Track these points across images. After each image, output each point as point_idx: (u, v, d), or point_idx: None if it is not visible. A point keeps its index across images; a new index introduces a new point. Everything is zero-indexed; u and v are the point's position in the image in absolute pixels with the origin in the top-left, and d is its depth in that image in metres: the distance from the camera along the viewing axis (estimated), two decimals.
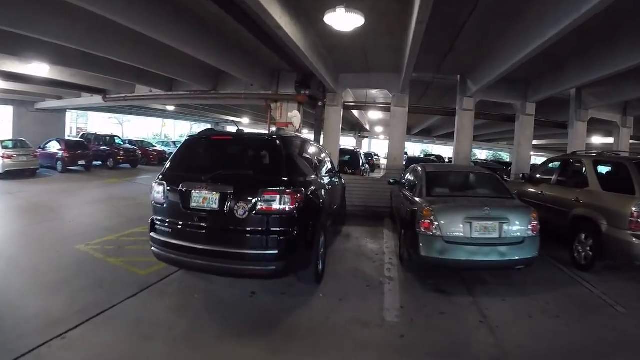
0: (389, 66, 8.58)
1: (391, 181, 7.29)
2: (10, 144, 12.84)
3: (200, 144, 4.26)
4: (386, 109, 11.33)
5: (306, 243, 3.76)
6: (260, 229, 3.44)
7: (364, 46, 7.20)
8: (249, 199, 3.40)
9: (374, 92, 12.19)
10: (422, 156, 27.01)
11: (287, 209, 3.41)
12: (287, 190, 3.43)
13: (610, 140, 11.03)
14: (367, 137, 38.79)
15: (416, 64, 6.52)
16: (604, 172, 5.57)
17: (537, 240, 4.27)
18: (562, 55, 6.99)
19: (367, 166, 16.28)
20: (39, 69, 9.86)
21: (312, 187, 4.15)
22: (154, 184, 3.86)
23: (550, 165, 7.36)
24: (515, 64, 6.08)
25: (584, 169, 5.60)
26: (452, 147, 9.84)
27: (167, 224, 3.75)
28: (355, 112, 17.61)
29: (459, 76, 9.35)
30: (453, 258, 4.16)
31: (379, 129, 28.06)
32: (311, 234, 3.85)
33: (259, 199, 3.38)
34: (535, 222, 4.28)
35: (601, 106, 9.34)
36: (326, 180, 5.30)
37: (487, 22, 5.86)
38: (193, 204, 3.55)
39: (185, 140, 4.35)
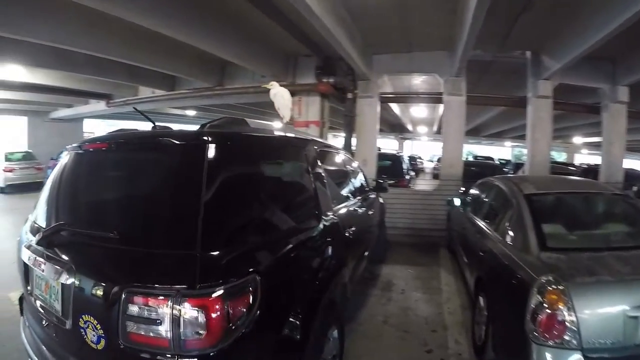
0: (437, 40, 6.23)
1: (453, 201, 5.04)
2: (15, 157, 12.03)
3: (78, 161, 2.02)
4: (435, 99, 8.88)
5: None
6: None
7: (403, 5, 4.90)
8: (106, 305, 1.35)
9: (417, 82, 9.71)
10: (471, 158, 23.30)
11: (200, 346, 1.27)
12: (193, 292, 1.27)
13: None
14: (409, 139, 35.26)
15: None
16: None
17: None
18: None
19: (412, 173, 13.63)
20: (17, 71, 8.50)
21: (305, 253, 2.01)
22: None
23: None
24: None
25: None
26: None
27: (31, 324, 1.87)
28: (396, 110, 15.06)
29: (529, 52, 6.75)
30: None
31: (422, 129, 25.10)
32: None
33: (124, 308, 1.31)
34: None
35: None
36: (356, 211, 3.15)
37: None
38: (36, 292, 1.76)
39: (64, 153, 2.16)
